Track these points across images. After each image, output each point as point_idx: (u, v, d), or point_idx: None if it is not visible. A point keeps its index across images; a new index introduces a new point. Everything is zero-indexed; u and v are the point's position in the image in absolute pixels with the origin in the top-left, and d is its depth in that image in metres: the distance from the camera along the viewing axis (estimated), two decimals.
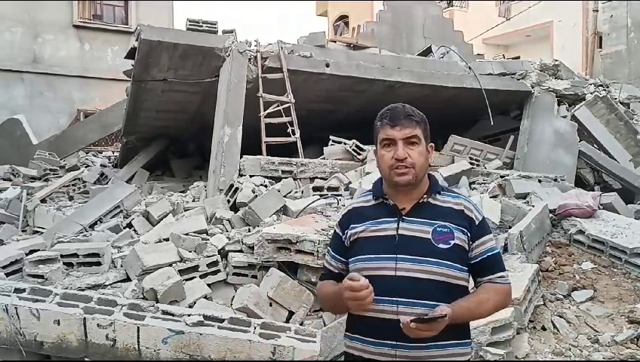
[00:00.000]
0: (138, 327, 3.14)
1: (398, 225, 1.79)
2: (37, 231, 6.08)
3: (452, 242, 1.76)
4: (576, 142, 8.65)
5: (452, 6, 22.05)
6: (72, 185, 8.32)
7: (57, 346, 3.17)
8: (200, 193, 6.65)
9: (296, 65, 7.27)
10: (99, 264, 4.33)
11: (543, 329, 3.96)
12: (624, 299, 4.43)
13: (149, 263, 4.10)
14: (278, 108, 6.89)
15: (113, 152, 12.70)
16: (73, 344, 3.16)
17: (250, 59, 6.96)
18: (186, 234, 4.68)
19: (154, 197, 6.70)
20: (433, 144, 1.87)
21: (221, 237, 4.71)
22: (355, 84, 8.01)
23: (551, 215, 5.65)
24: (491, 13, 20.92)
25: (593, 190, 7.53)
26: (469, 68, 8.86)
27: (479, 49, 17.57)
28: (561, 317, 4.12)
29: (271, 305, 4.01)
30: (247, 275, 4.33)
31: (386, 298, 1.73)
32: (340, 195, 5.73)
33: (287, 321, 3.93)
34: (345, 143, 7.39)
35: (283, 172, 6.46)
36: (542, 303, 4.21)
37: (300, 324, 3.83)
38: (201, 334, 3.14)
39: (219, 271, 4.32)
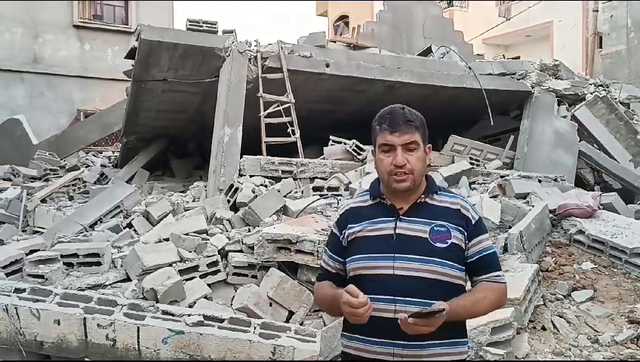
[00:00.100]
0: (138, 327, 3.15)
1: (395, 224, 1.80)
2: (37, 231, 6.08)
3: (449, 241, 1.78)
4: (576, 142, 8.65)
5: (452, 6, 22.05)
6: (72, 185, 8.33)
7: (57, 346, 3.17)
8: (200, 193, 6.65)
9: (296, 65, 7.28)
10: (99, 264, 4.33)
11: (543, 329, 3.96)
12: (624, 299, 4.43)
13: (149, 263, 4.10)
14: (278, 108, 6.89)
15: (113, 152, 12.70)
16: (73, 344, 3.16)
17: (250, 59, 6.96)
18: (186, 234, 4.68)
19: (154, 197, 6.70)
20: (431, 145, 1.87)
21: (221, 237, 4.71)
22: (355, 84, 8.01)
23: (551, 215, 5.65)
24: (491, 13, 20.91)
25: (593, 190, 7.53)
26: (469, 68, 8.86)
27: (479, 49, 17.57)
28: (561, 317, 4.12)
29: (271, 305, 4.02)
30: (247, 275, 4.33)
31: (384, 297, 1.73)
32: (340, 195, 5.73)
33: (287, 321, 3.93)
34: (345, 143, 7.39)
35: (283, 172, 6.46)
36: (542, 303, 4.21)
37: (300, 324, 3.83)
38: (201, 334, 3.14)
39: (219, 271, 4.32)
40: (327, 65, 7.53)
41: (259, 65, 6.96)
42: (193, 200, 6.43)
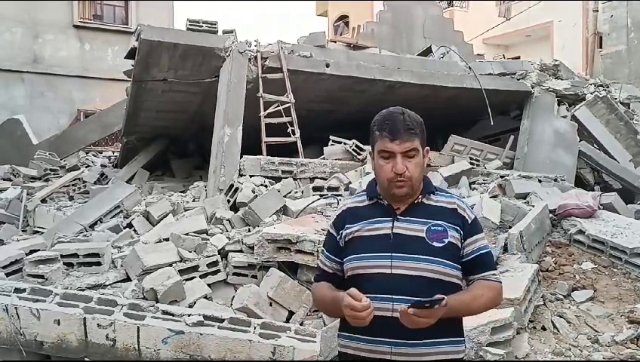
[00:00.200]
0: (138, 327, 3.15)
1: (392, 224, 1.82)
2: (37, 231, 6.09)
3: (446, 240, 1.79)
4: (576, 142, 8.65)
5: (452, 6, 22.05)
6: (72, 185, 8.32)
7: (57, 346, 3.17)
8: (200, 193, 6.65)
9: (296, 66, 7.28)
10: (99, 264, 4.33)
11: (543, 329, 3.96)
12: (624, 299, 4.43)
13: (149, 263, 4.10)
14: (278, 108, 6.89)
15: (113, 152, 12.70)
16: (73, 344, 3.16)
17: (250, 59, 6.96)
18: (186, 234, 4.69)
19: (154, 197, 6.70)
20: (429, 148, 1.88)
21: (221, 237, 4.71)
22: (355, 84, 8.01)
23: (551, 215, 5.65)
24: (491, 13, 20.90)
25: (593, 190, 7.53)
26: (469, 68, 8.86)
27: (479, 49, 17.56)
28: (561, 317, 4.12)
29: (271, 305, 4.02)
30: (247, 275, 4.33)
31: (382, 296, 1.74)
32: (340, 195, 5.73)
33: (287, 321, 3.93)
34: (345, 143, 7.39)
35: (283, 172, 6.46)
36: (542, 303, 4.21)
37: (300, 324, 3.84)
38: (201, 334, 3.14)
39: (219, 271, 4.32)
40: (327, 65, 7.53)
41: (259, 65, 6.96)
42: (193, 200, 6.44)
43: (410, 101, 7.88)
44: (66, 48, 15.25)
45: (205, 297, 4.04)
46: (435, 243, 1.78)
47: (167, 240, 4.69)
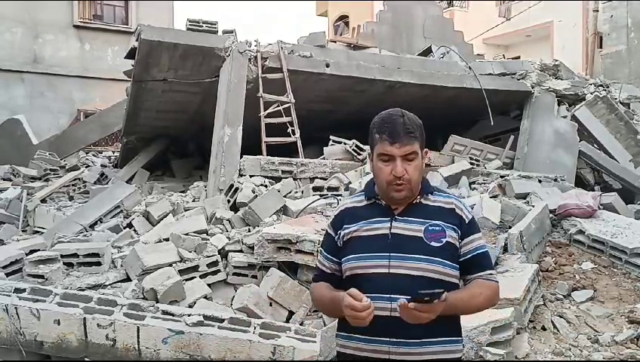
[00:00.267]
0: (138, 327, 3.15)
1: (390, 224, 1.83)
2: (37, 231, 6.08)
3: (444, 240, 1.80)
4: (577, 142, 8.65)
5: (452, 6, 22.05)
6: (73, 185, 8.32)
7: (57, 346, 3.17)
8: (200, 193, 6.65)
9: (296, 66, 7.28)
10: (99, 264, 4.33)
11: (543, 329, 3.96)
12: (624, 299, 4.43)
13: (149, 263, 4.10)
14: (278, 108, 6.89)
15: (113, 152, 12.70)
16: (73, 344, 3.16)
17: (250, 60, 6.96)
18: (186, 234, 4.69)
19: (154, 197, 6.70)
20: (427, 149, 1.88)
21: (221, 237, 4.71)
22: (355, 84, 8.01)
23: (551, 215, 5.65)
24: (491, 13, 20.91)
25: (593, 190, 7.53)
26: (469, 68, 8.86)
27: (479, 49, 17.56)
28: (561, 317, 4.12)
29: (271, 305, 4.02)
30: (247, 275, 4.33)
31: (380, 295, 1.75)
32: (340, 195, 5.73)
33: (287, 321, 3.93)
34: (345, 143, 7.39)
35: (283, 172, 6.46)
36: (542, 303, 4.21)
37: (300, 324, 3.84)
38: (201, 334, 3.14)
39: (219, 271, 4.32)
40: (327, 65, 7.53)
41: (259, 65, 6.96)
42: (193, 200, 6.44)
43: (410, 101, 7.89)
44: (66, 48, 15.26)
45: (205, 297, 4.04)
46: (432, 243, 1.79)
47: (167, 240, 4.69)
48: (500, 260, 4.55)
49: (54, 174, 9.15)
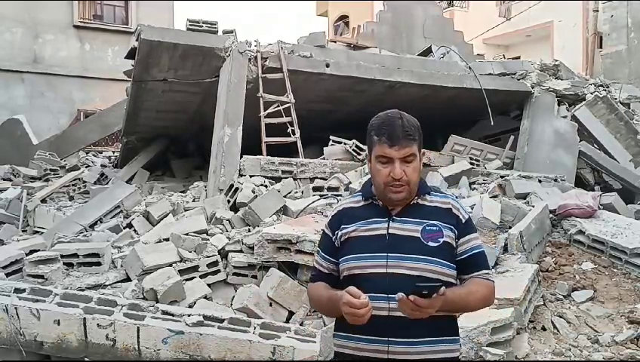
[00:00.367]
0: (138, 327, 3.15)
1: (388, 225, 1.83)
2: (37, 231, 6.09)
3: (441, 240, 1.81)
4: (577, 142, 8.64)
5: (452, 6, 22.04)
6: (73, 185, 8.32)
7: (57, 346, 3.17)
8: (200, 193, 6.65)
9: (296, 66, 7.28)
10: (99, 264, 4.33)
11: (543, 329, 3.96)
12: (624, 299, 4.43)
13: (149, 263, 4.10)
14: (278, 108, 6.89)
15: (113, 152, 12.70)
16: (73, 344, 3.16)
17: (250, 60, 6.96)
18: (186, 234, 4.69)
19: (154, 197, 6.70)
20: (425, 150, 1.89)
21: (221, 237, 4.71)
22: (355, 84, 8.01)
23: (551, 215, 5.65)
24: (491, 13, 20.90)
25: (593, 190, 7.53)
26: (469, 68, 8.86)
27: (479, 49, 17.55)
28: (561, 317, 4.12)
29: (271, 305, 4.02)
30: (247, 275, 4.33)
31: (378, 295, 1.75)
32: (340, 195, 5.73)
33: (287, 321, 3.94)
34: (345, 143, 7.39)
35: (283, 172, 6.46)
36: (542, 303, 4.21)
37: (300, 324, 3.84)
38: (201, 334, 3.15)
39: (219, 271, 4.32)
40: (327, 66, 7.53)
41: (259, 66, 6.96)
42: (193, 200, 6.44)
43: (410, 101, 7.90)
44: (66, 48, 15.26)
45: (205, 297, 4.04)
46: (430, 243, 1.80)
47: (167, 240, 4.69)
48: (500, 260, 4.55)
49: (54, 174, 9.15)
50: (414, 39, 13.69)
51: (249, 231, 4.95)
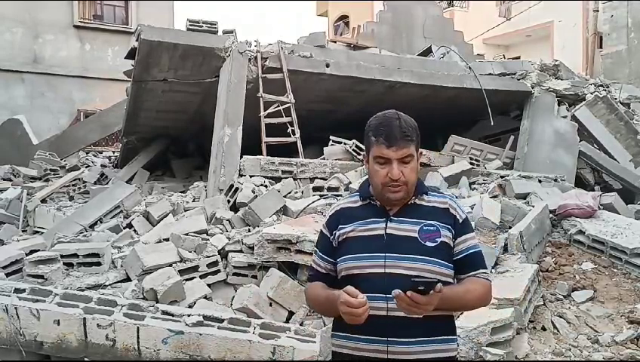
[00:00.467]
0: (138, 327, 3.15)
1: (386, 224, 1.84)
2: (37, 232, 6.09)
3: (439, 240, 1.82)
4: (577, 143, 8.64)
5: (452, 6, 22.04)
6: (73, 185, 8.33)
7: (57, 346, 3.17)
8: (200, 193, 6.65)
9: (296, 66, 7.28)
10: (99, 264, 4.33)
11: (543, 329, 3.96)
12: (624, 299, 4.43)
13: (149, 263, 4.10)
14: (278, 108, 6.89)
15: (113, 152, 12.70)
16: (73, 344, 3.16)
17: (250, 60, 6.96)
18: (186, 235, 4.69)
19: (154, 197, 6.70)
20: (422, 150, 1.89)
21: (221, 238, 4.71)
22: (355, 84, 8.01)
23: (551, 215, 5.65)
24: (492, 13, 20.90)
25: (593, 190, 7.53)
26: (469, 68, 8.85)
27: (479, 49, 17.56)
28: (561, 317, 4.12)
29: (271, 305, 4.02)
30: (247, 275, 4.33)
31: (376, 295, 1.76)
32: (340, 195, 5.73)
33: (287, 321, 3.94)
34: (345, 143, 7.39)
35: (283, 172, 6.46)
36: (542, 303, 4.21)
37: (300, 324, 3.84)
38: (200, 334, 3.14)
39: (219, 271, 4.32)
40: (327, 66, 7.53)
41: (259, 66, 6.96)
42: (193, 201, 6.44)
43: (410, 101, 7.89)
44: (66, 48, 15.26)
45: (205, 297, 4.04)
46: (427, 243, 1.80)
47: (167, 240, 4.69)
48: (500, 260, 4.55)
49: (54, 174, 9.16)
50: (414, 39, 13.70)
51: (249, 231, 4.95)
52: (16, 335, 3.14)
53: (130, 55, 7.02)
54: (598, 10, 15.75)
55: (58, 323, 3.15)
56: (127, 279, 4.22)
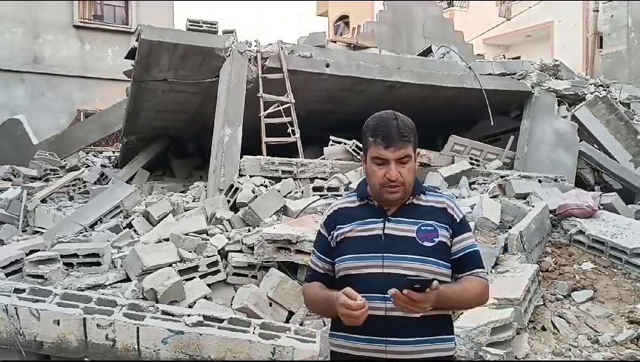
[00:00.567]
0: (138, 327, 3.15)
1: (384, 225, 1.84)
2: (37, 232, 6.09)
3: (436, 240, 1.82)
4: (577, 143, 8.64)
5: (452, 6, 22.04)
6: (73, 185, 8.33)
7: (57, 346, 3.17)
8: (200, 193, 6.65)
9: (296, 66, 7.28)
10: (99, 264, 4.33)
11: (543, 329, 3.96)
12: (624, 300, 4.43)
13: (149, 263, 4.10)
14: (278, 108, 6.89)
15: (113, 152, 12.70)
16: (73, 344, 3.16)
17: (250, 60, 6.96)
18: (186, 235, 4.69)
19: (154, 197, 6.70)
20: (420, 150, 1.89)
21: (221, 238, 4.71)
22: (355, 84, 8.01)
23: (551, 215, 5.65)
24: (492, 13, 20.90)
25: (593, 190, 7.53)
26: (469, 68, 8.85)
27: (479, 49, 17.55)
28: (561, 317, 4.12)
29: (271, 305, 4.02)
30: (247, 275, 4.33)
31: (375, 295, 1.76)
32: (340, 195, 5.73)
33: (287, 321, 3.93)
34: (345, 143, 7.39)
35: (283, 172, 6.46)
36: (542, 303, 4.21)
37: (300, 324, 3.84)
38: (200, 334, 3.14)
39: (219, 271, 4.32)
40: (327, 66, 7.53)
41: (259, 66, 6.96)
42: (193, 201, 6.44)
43: (410, 101, 7.89)
44: (66, 48, 15.26)
45: (205, 297, 4.03)
46: (425, 243, 1.81)
47: (167, 240, 4.69)
48: (500, 260, 4.55)
49: (54, 174, 9.16)
50: (414, 39, 13.70)
51: (249, 231, 4.95)
52: (16, 335, 3.14)
53: (130, 55, 7.03)
54: (598, 10, 15.76)
55: (58, 323, 3.15)
56: (127, 279, 4.22)
